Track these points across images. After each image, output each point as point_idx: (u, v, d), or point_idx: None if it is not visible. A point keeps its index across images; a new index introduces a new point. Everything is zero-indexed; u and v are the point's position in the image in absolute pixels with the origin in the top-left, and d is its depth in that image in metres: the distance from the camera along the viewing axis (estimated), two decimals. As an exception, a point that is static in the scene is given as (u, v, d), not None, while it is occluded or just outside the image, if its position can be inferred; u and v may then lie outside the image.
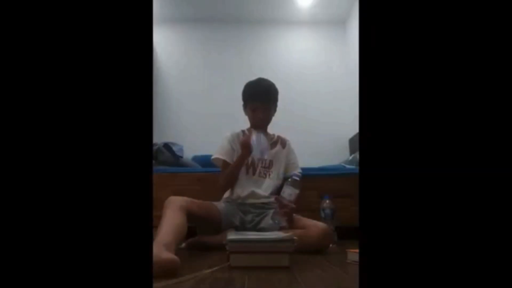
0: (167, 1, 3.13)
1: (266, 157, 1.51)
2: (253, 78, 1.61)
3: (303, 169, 1.63)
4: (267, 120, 1.57)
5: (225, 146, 1.57)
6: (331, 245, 1.37)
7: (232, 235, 0.96)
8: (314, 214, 1.49)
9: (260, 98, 1.52)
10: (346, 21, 3.38)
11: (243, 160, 1.48)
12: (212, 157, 1.59)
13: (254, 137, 1.38)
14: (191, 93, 3.29)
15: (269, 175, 1.54)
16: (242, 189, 1.50)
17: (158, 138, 2.46)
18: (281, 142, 1.63)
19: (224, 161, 1.55)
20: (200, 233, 1.46)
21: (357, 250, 0.92)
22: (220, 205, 1.45)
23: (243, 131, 1.63)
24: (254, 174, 1.53)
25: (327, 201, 1.48)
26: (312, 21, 3.42)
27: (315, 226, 1.27)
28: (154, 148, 2.08)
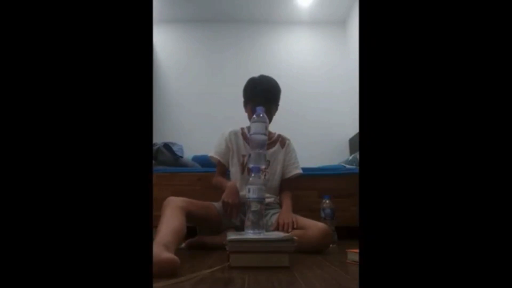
0: (167, 1, 3.13)
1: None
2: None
3: (303, 169, 1.62)
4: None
5: (221, 145, 1.58)
6: (331, 245, 1.37)
7: (232, 235, 0.96)
8: (314, 214, 1.49)
9: (261, 98, 1.49)
10: (346, 21, 3.38)
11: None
12: (209, 155, 1.62)
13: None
14: (191, 93, 3.30)
15: (265, 175, 1.53)
16: (239, 189, 1.50)
17: (158, 138, 2.46)
18: (280, 141, 1.62)
19: (219, 161, 1.57)
20: (200, 233, 1.46)
21: (357, 250, 0.91)
22: (219, 205, 1.45)
23: (242, 129, 1.63)
24: (249, 173, 1.53)
25: (327, 201, 1.47)
26: (312, 21, 3.42)
27: (315, 226, 1.27)
28: (154, 148, 2.08)
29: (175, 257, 0.81)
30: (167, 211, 1.11)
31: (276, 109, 1.58)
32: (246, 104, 1.58)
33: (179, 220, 1.09)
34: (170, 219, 1.06)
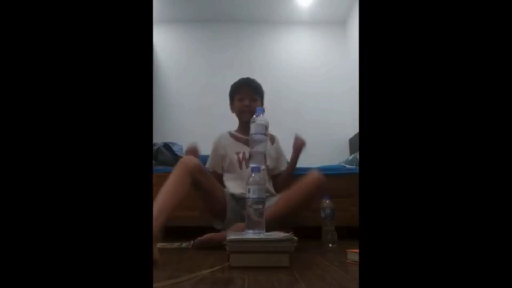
0: (167, 1, 3.13)
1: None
2: (253, 78, 1.67)
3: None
4: (255, 109, 1.59)
5: (212, 155, 1.66)
6: (330, 245, 1.37)
7: (232, 235, 0.96)
8: (314, 214, 1.49)
9: (247, 86, 1.60)
10: (346, 21, 3.38)
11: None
12: (209, 170, 1.66)
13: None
14: (191, 93, 3.29)
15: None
16: (235, 184, 1.53)
17: (158, 138, 2.46)
18: (270, 138, 1.67)
19: (214, 171, 1.62)
20: (202, 208, 1.47)
21: (357, 250, 0.91)
22: (227, 191, 1.49)
23: (229, 132, 1.68)
24: (247, 167, 1.56)
25: (327, 201, 1.47)
26: (312, 21, 3.42)
27: (311, 173, 1.35)
28: (154, 148, 2.08)
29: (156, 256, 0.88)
30: (176, 173, 1.20)
31: (262, 103, 1.65)
32: (232, 101, 1.65)
33: (182, 188, 1.18)
34: (173, 186, 1.16)
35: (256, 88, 1.63)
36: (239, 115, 1.65)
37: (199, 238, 1.39)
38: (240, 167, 1.57)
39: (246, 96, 1.60)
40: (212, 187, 1.41)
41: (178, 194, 1.16)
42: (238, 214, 1.45)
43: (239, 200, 1.50)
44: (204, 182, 1.33)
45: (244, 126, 1.62)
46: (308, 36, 3.47)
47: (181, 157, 2.13)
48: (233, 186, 1.54)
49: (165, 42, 3.35)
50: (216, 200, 1.42)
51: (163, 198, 1.11)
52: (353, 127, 2.95)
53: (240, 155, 1.58)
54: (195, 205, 1.67)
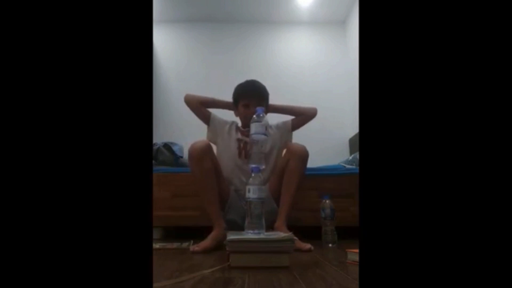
0: (167, 1, 3.13)
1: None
2: (253, 78, 1.65)
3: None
4: None
5: (211, 126, 1.67)
6: (330, 245, 1.37)
7: (232, 235, 0.96)
8: (314, 214, 1.49)
9: (253, 93, 1.55)
10: (346, 21, 3.38)
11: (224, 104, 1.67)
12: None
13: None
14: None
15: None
16: (233, 175, 1.53)
17: (158, 138, 2.46)
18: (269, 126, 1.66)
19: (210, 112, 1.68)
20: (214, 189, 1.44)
21: (357, 250, 0.91)
22: (234, 186, 1.50)
23: (237, 126, 1.66)
24: (246, 157, 1.55)
25: (327, 201, 1.47)
26: (312, 21, 3.42)
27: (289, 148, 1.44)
28: (154, 148, 2.08)
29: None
30: (193, 164, 1.33)
31: (267, 106, 1.62)
32: (237, 106, 1.60)
33: (215, 188, 1.35)
34: (208, 190, 1.33)
35: (262, 94, 1.58)
36: (243, 120, 1.61)
37: (196, 249, 1.27)
38: (239, 156, 1.55)
39: (253, 103, 1.53)
40: (219, 168, 1.44)
41: (211, 180, 1.33)
42: (238, 204, 1.47)
43: (237, 191, 1.51)
44: (216, 162, 1.39)
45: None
46: (308, 36, 3.46)
47: (181, 157, 2.13)
48: (231, 176, 1.54)
49: (165, 42, 3.35)
50: (222, 179, 1.44)
51: (205, 196, 1.33)
52: (353, 127, 2.95)
53: (241, 144, 1.57)
54: (195, 205, 1.67)
